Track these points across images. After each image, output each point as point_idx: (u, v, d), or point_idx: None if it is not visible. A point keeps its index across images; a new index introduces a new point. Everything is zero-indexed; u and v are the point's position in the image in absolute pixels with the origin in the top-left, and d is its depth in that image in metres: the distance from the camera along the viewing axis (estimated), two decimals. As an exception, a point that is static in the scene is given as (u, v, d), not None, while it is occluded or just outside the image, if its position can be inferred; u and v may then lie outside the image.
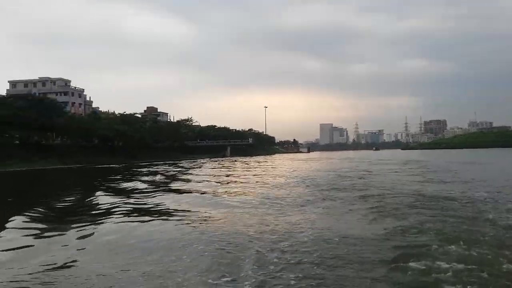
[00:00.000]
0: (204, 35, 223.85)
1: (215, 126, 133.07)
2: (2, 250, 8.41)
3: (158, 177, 31.42)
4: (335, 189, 18.26)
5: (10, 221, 11.47)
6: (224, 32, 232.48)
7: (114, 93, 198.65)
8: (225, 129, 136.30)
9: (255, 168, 43.75)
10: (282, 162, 61.29)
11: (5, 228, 10.68)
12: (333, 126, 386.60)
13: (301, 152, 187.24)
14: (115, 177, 32.87)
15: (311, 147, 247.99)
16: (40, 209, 14.64)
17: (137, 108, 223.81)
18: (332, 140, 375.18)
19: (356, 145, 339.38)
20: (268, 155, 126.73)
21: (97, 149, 76.47)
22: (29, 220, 11.75)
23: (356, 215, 11.24)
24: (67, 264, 7.14)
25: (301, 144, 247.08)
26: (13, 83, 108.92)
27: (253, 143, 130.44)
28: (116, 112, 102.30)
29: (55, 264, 7.14)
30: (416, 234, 8.45)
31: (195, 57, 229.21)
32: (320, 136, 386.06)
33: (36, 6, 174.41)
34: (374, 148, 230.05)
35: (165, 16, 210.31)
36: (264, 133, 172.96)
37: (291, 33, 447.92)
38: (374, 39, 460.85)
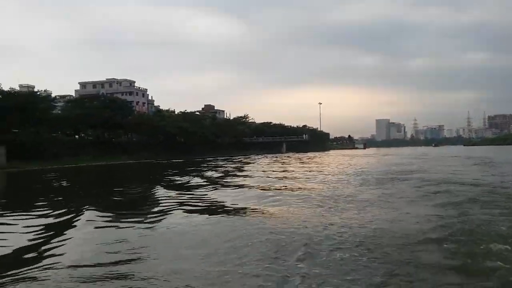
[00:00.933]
0: (257, 34, 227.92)
1: (271, 123, 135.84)
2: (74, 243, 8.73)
3: (216, 173, 31.96)
4: (397, 185, 18.04)
5: (82, 213, 12.19)
6: (277, 30, 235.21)
7: (171, 91, 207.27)
8: (280, 126, 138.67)
9: (310, 164, 43.73)
10: (338, 158, 61.33)
11: (78, 219, 11.28)
12: (390, 121, 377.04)
13: (356, 148, 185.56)
14: (177, 172, 34.15)
15: (367, 143, 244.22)
16: (110, 201, 16.11)
17: (194, 106, 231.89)
18: (389, 136, 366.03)
19: (414, 141, 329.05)
20: (323, 151, 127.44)
21: (161, 145, 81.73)
22: (99, 212, 12.46)
23: (422, 211, 10.84)
24: (134, 258, 7.30)
25: (356, 140, 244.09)
26: (82, 84, 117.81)
27: (308, 140, 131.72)
28: (176, 110, 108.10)
29: (122, 257, 7.36)
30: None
31: (249, 56, 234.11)
32: (376, 132, 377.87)
33: (102, 13, 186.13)
34: (433, 144, 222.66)
35: (221, 17, 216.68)
36: (319, 129, 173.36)
37: (345, 29, 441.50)
38: (432, 32, 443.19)
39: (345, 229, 8.78)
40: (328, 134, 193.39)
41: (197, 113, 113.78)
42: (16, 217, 12.33)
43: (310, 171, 29.90)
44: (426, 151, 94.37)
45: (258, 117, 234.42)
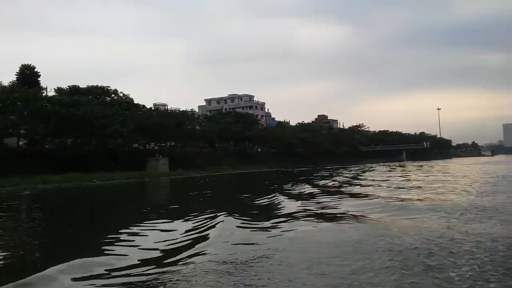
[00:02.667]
0: (366, 38, 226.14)
1: (387, 131, 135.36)
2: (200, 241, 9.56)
3: (334, 181, 32.10)
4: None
5: (221, 215, 13.09)
6: (386, 33, 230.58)
7: (281, 102, 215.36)
8: (398, 134, 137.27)
9: (435, 172, 42.16)
10: (465, 166, 58.51)
11: (217, 222, 12.05)
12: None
13: (483, 155, 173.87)
14: (298, 180, 34.90)
15: (495, 149, 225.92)
16: (244, 206, 17.39)
17: (305, 116, 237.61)
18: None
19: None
20: (445, 159, 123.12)
21: (283, 155, 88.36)
22: (235, 217, 13.01)
23: None
24: (263, 258, 7.72)
25: (481, 146, 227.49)
26: (208, 100, 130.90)
27: (429, 147, 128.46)
28: (289, 121, 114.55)
29: (249, 257, 7.82)
30: None
31: (358, 62, 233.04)
32: (505, 138, 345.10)
33: (216, 29, 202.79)
34: None
35: (329, 24, 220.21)
36: (438, 136, 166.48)
37: (462, 27, 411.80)
38: None
39: (478, 243, 8.20)
40: (449, 141, 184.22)
41: (311, 123, 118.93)
42: (170, 219, 13.94)
43: (437, 180, 28.52)
44: None
45: (371, 124, 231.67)
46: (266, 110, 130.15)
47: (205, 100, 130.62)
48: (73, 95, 49.32)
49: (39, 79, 49.72)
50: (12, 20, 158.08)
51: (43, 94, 46.65)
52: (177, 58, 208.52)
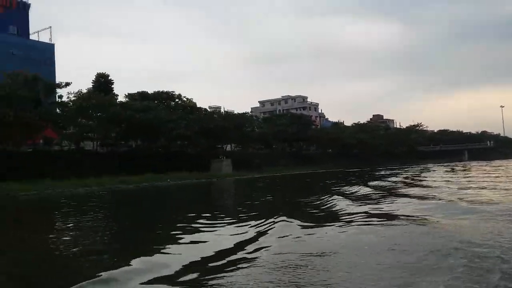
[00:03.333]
0: (419, 35, 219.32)
1: (447, 130, 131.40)
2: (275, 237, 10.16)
3: (393, 182, 31.64)
4: None
5: (279, 216, 13.33)
6: (441, 29, 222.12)
7: (333, 102, 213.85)
8: (458, 133, 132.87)
9: (499, 173, 39.62)
10: None
11: (277, 221, 12.47)
12: None
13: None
14: (355, 181, 34.92)
15: None
16: (301, 206, 17.80)
17: (359, 116, 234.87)
18: None
19: None
20: (510, 159, 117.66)
21: (338, 156, 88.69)
22: (292, 219, 13.10)
23: None
24: (319, 259, 7.98)
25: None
26: (261, 102, 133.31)
27: (492, 146, 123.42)
28: (344, 122, 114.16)
29: (309, 254, 8.25)
30: None
31: (412, 58, 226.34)
32: None
33: (264, 30, 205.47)
34: None
35: (379, 21, 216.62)
36: (502, 135, 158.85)
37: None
38: None
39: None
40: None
41: (366, 123, 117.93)
42: (235, 219, 14.31)
43: (505, 182, 26.74)
44: None
45: (429, 123, 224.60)
46: (320, 111, 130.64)
47: (259, 102, 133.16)
48: (142, 100, 53.01)
49: (112, 86, 53.98)
50: (75, 25, 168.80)
51: (117, 100, 50.55)
52: (226, 60, 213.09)
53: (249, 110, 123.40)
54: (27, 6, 78.59)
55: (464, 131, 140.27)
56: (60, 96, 45.14)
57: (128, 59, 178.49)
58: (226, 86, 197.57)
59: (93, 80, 54.15)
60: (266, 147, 76.54)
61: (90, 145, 50.86)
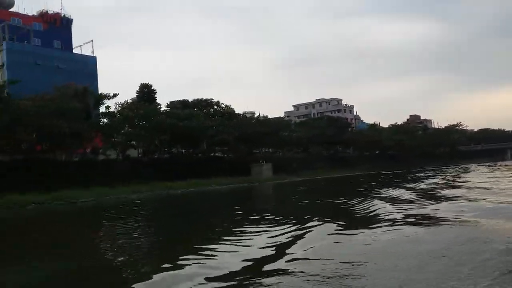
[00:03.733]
0: (453, 32, 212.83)
1: (488, 129, 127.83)
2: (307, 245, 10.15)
3: (433, 184, 31.19)
4: None
5: (315, 220, 13.68)
6: (476, 26, 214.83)
7: (367, 104, 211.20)
8: (500, 131, 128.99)
9: None
10: None
11: (315, 225, 12.84)
12: None
13: None
14: (394, 183, 34.64)
15: None
16: (337, 210, 17.91)
17: (394, 117, 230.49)
18: None
19: None
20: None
21: (376, 158, 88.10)
22: (331, 222, 13.37)
23: None
24: (358, 263, 8.07)
25: None
26: (296, 106, 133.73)
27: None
28: (380, 123, 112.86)
29: (349, 260, 8.27)
30: None
31: (449, 56, 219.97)
32: None
33: (295, 33, 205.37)
34: None
35: (410, 20, 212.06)
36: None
37: None
38: None
39: None
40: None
41: (403, 124, 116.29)
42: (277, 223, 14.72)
43: None
44: None
45: (468, 122, 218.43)
46: (355, 113, 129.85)
47: (293, 106, 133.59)
48: (183, 108, 54.83)
49: (155, 95, 56.21)
50: (111, 36, 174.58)
51: (161, 109, 52.56)
52: (259, 65, 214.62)
53: (282, 115, 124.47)
54: (70, 22, 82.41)
55: (507, 129, 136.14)
56: (108, 107, 47.37)
57: (163, 68, 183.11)
58: (259, 91, 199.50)
59: (137, 91, 56.65)
60: (302, 150, 77.03)
61: (134, 153, 53.05)
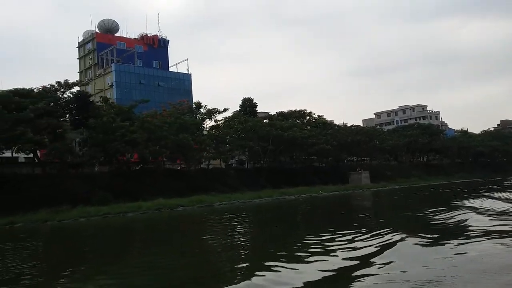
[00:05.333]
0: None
1: None
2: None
3: None
4: None
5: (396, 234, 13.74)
6: None
7: (450, 109, 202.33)
8: None
9: None
10: None
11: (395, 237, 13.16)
12: None
13: None
14: (488, 192, 33.44)
15: None
16: (422, 221, 18.03)
17: (481, 122, 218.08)
18: None
19: None
20: None
21: (469, 165, 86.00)
22: (412, 236, 13.31)
23: None
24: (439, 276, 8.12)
25: None
26: (377, 114, 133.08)
27: None
28: (468, 129, 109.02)
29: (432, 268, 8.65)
30: None
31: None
32: None
33: (366, 39, 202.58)
34: None
35: (498, 19, 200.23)
36: None
37: None
38: None
39: None
40: None
41: (493, 129, 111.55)
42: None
43: None
44: None
45: None
46: (441, 120, 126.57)
47: (375, 113, 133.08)
48: (281, 119, 58.28)
49: (256, 108, 60.40)
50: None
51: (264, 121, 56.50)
52: (332, 74, 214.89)
53: (360, 123, 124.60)
54: (166, 42, 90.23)
55: None
56: (216, 120, 51.98)
57: (239, 80, 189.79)
58: (334, 99, 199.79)
59: (240, 104, 61.12)
60: (393, 158, 77.52)
61: (234, 162, 57.41)
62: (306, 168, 57.34)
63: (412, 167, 75.76)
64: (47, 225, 27.04)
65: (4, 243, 18.44)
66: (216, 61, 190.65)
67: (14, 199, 31.72)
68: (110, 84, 78.12)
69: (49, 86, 41.37)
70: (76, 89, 44.35)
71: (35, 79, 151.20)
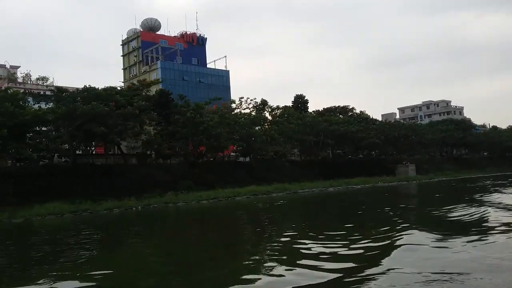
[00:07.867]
0: None
1: None
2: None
3: None
4: None
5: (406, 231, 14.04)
6: None
7: (471, 102, 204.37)
8: None
9: None
10: None
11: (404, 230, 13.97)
12: None
13: None
14: None
15: None
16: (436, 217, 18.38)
17: (504, 117, 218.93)
18: None
19: None
20: None
21: (499, 159, 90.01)
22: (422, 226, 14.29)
23: None
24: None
25: None
26: (401, 109, 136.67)
27: None
28: (490, 124, 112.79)
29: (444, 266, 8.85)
30: None
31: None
32: None
33: (384, 33, 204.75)
34: None
35: (507, 13, 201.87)
36: None
37: None
38: None
39: None
40: None
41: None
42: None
43: None
44: None
45: None
46: (464, 115, 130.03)
47: (398, 108, 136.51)
48: (329, 115, 62.51)
49: (307, 105, 64.89)
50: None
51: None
52: (350, 68, 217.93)
53: (378, 117, 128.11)
54: (204, 40, 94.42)
55: None
56: (275, 116, 56.32)
57: (259, 74, 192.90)
58: (350, 93, 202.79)
59: (292, 101, 65.55)
60: (427, 152, 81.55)
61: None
62: (354, 161, 61.60)
63: (446, 161, 79.73)
64: (169, 206, 31.68)
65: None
66: (232, 56, 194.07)
67: (124, 184, 36.55)
68: (158, 80, 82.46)
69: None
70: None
71: (79, 75, 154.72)
